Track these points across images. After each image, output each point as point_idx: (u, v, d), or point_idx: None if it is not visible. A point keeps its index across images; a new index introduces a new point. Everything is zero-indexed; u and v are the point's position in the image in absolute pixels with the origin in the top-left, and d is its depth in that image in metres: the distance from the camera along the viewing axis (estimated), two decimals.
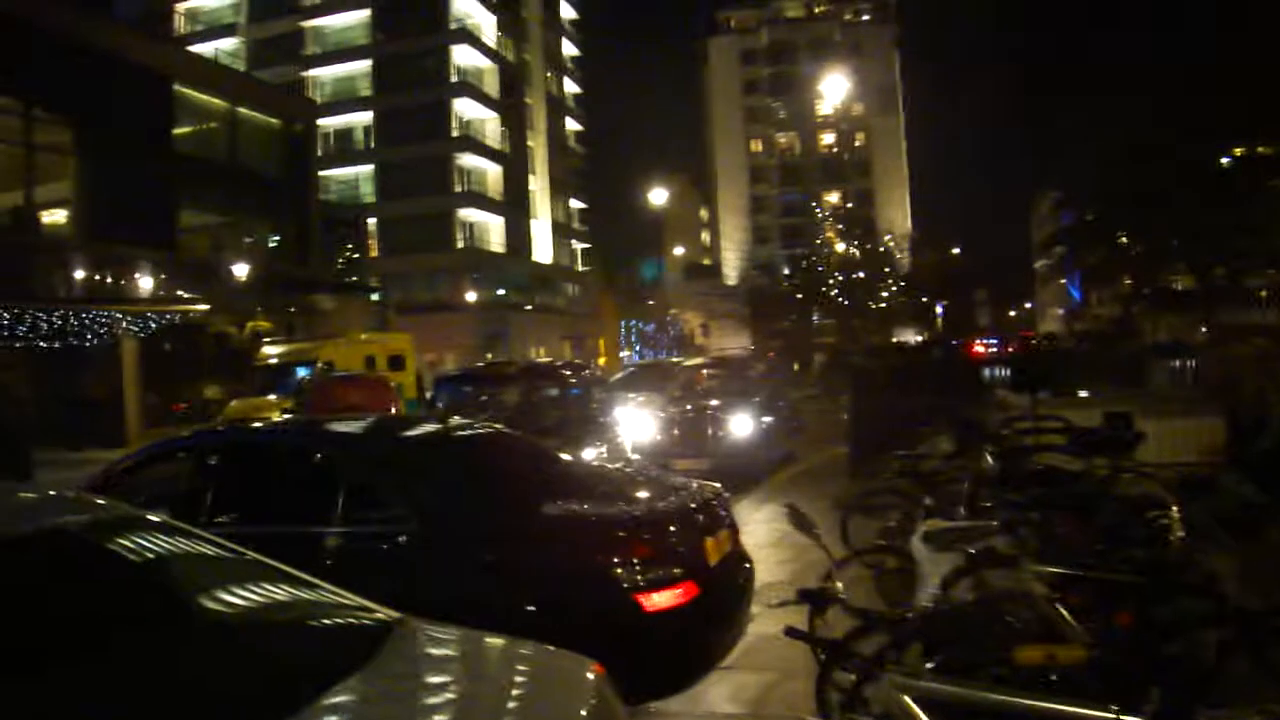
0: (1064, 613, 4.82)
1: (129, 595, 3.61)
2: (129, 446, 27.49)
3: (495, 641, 3.92)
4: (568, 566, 5.88)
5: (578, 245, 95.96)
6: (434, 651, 3.84)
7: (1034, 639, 4.22)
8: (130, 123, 33.54)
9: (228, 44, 73.96)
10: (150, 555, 3.87)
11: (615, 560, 5.77)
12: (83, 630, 3.16)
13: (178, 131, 38.14)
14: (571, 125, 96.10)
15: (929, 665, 3.97)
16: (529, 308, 77.45)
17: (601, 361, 73.87)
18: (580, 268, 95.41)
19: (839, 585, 5.21)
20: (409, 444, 7.54)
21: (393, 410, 22.00)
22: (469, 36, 75.06)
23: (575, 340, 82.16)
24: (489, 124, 77.53)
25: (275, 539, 5.80)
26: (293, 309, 42.05)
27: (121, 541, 3.84)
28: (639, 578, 5.69)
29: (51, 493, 4.39)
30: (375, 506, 6.43)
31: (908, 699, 3.72)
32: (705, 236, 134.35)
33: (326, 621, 3.86)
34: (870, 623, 4.74)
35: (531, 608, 5.65)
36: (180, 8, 79.19)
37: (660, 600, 5.66)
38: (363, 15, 75.60)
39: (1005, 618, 4.58)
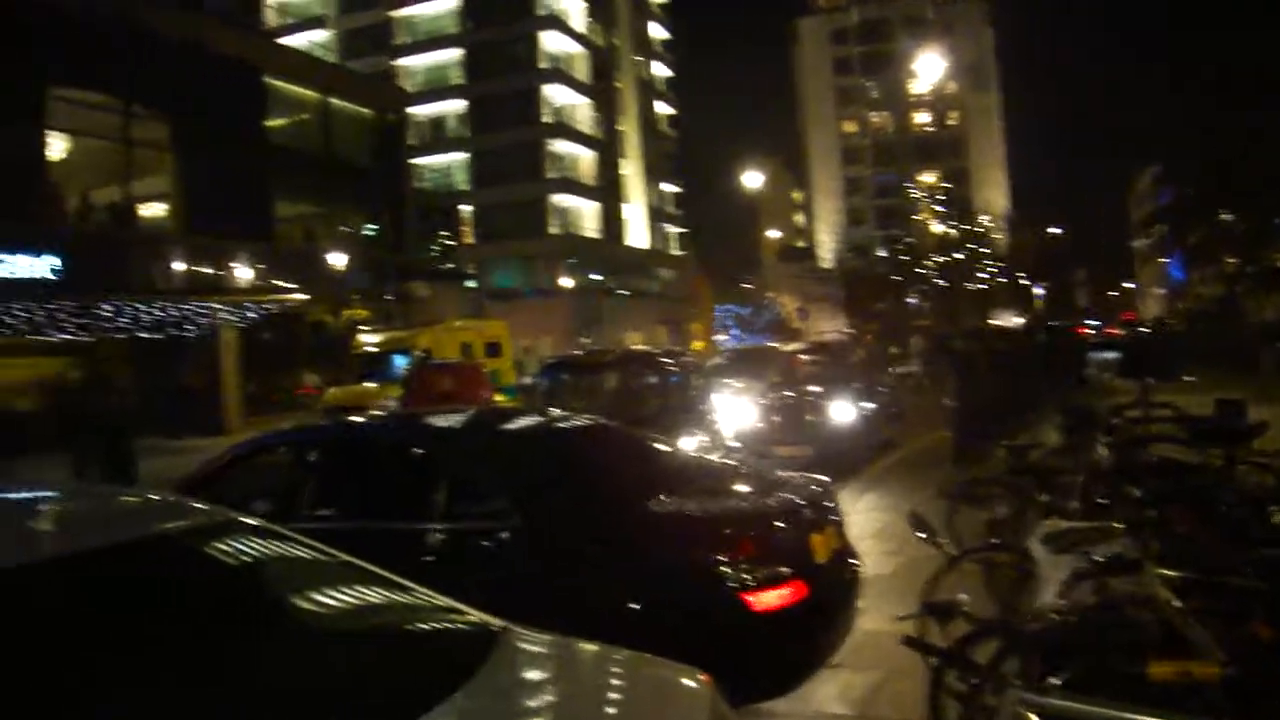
0: (1194, 623, 4.40)
1: (227, 602, 3.58)
2: (228, 435, 28.04)
3: (601, 652, 3.79)
4: (673, 564, 5.73)
5: (672, 229, 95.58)
6: (538, 664, 3.72)
7: (1162, 651, 3.84)
8: (225, 116, 33.87)
9: (319, 36, 74.87)
10: (248, 561, 3.85)
11: (722, 558, 5.59)
12: (179, 638, 3.16)
13: (272, 123, 38.49)
14: (662, 109, 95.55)
15: (1053, 680, 3.70)
16: (624, 293, 77.29)
17: (697, 346, 73.60)
18: (675, 251, 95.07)
19: (962, 596, 4.90)
20: (510, 438, 7.40)
21: (486, 397, 22.03)
22: (558, 23, 75.12)
23: (671, 325, 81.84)
24: (580, 109, 77.66)
25: (374, 535, 5.98)
26: (389, 297, 42.29)
27: (221, 547, 3.81)
28: (746, 577, 5.51)
29: (152, 497, 4.51)
30: (476, 502, 6.36)
31: (1034, 717, 3.41)
32: (800, 218, 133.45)
33: (427, 633, 3.80)
34: (987, 629, 4.54)
35: (635, 606, 5.54)
36: (271, 1, 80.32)
37: (768, 600, 5.50)
38: (452, 3, 76.17)
39: (1132, 627, 4.26)
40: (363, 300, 40.59)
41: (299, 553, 3.98)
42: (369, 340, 33.44)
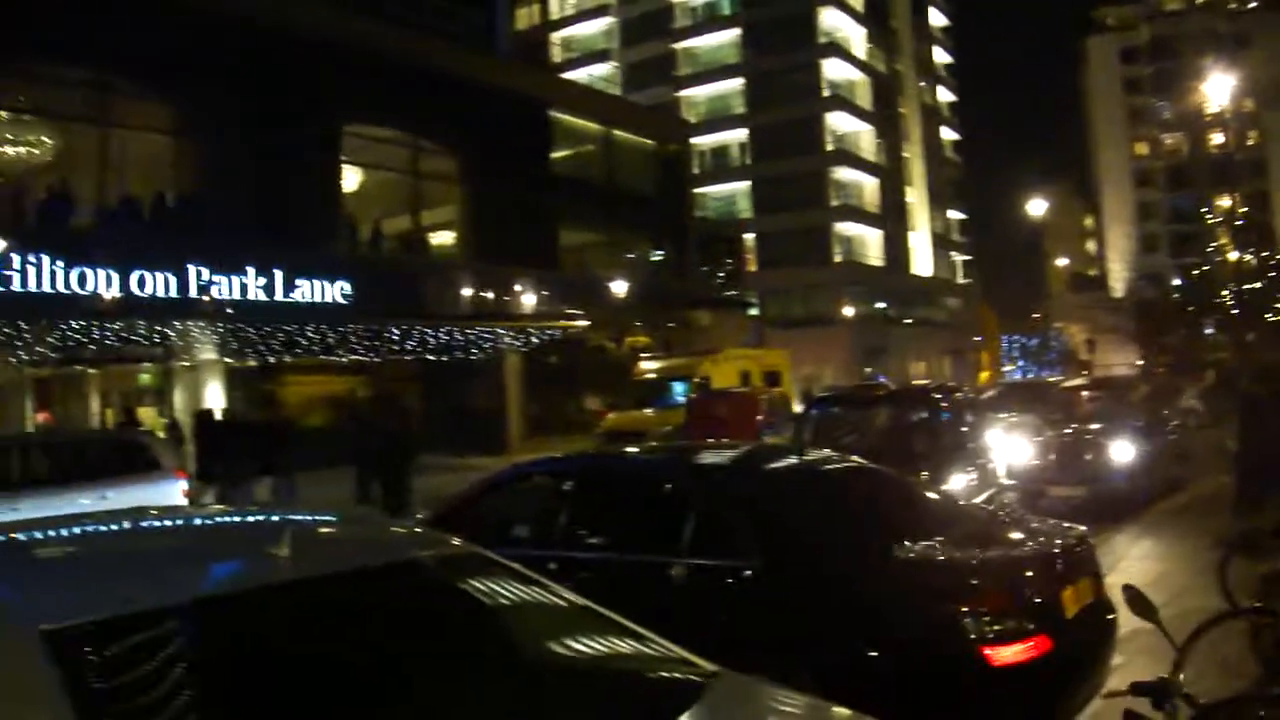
0: None
1: (456, 632, 3.80)
2: (510, 455, 28.46)
3: (810, 706, 3.74)
4: (914, 612, 5.53)
5: (957, 257, 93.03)
6: (740, 715, 3.59)
7: None
8: (510, 149, 34.67)
9: (602, 69, 76.34)
10: (474, 593, 4.01)
11: (964, 609, 5.38)
12: (404, 661, 3.40)
13: (555, 155, 39.08)
14: (947, 134, 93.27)
15: None
16: (908, 322, 75.44)
17: (983, 377, 71.28)
18: (960, 280, 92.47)
19: (1181, 677, 4.22)
20: (758, 477, 7.36)
21: (763, 425, 21.64)
22: (839, 50, 74.25)
23: (956, 355, 79.51)
24: (863, 136, 76.44)
25: (618, 566, 6.41)
26: (670, 324, 42.35)
27: (458, 579, 4.05)
28: (988, 629, 5.28)
29: (412, 529, 5.21)
30: (720, 539, 6.24)
31: None
32: (1090, 245, 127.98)
33: (634, 676, 3.81)
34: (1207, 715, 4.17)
35: (873, 653, 5.42)
36: (555, 37, 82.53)
37: (1008, 654, 5.24)
38: (733, 34, 76.28)
39: None
40: (644, 328, 40.76)
41: (523, 588, 4.11)
42: (649, 367, 33.55)
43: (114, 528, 4.71)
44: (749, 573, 5.92)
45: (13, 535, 4.44)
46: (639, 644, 3.82)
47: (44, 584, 3.58)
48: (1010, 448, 16.14)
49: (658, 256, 44.98)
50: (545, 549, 6.65)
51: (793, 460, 7.95)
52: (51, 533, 4.75)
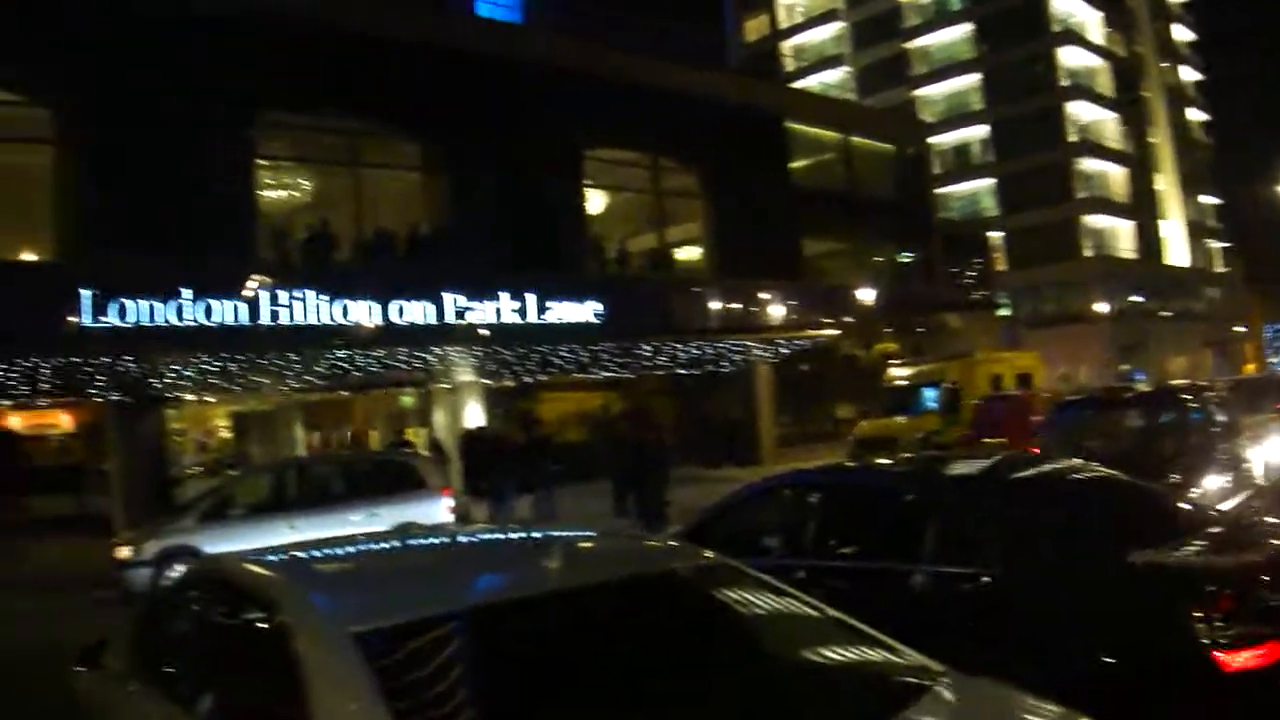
0: None
1: (706, 637, 4.13)
2: (763, 466, 28.30)
3: (1032, 707, 3.79)
4: (1148, 617, 5.55)
5: (1214, 244, 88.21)
6: (963, 713, 3.77)
7: None
8: (749, 162, 34.34)
9: (835, 75, 75.56)
10: (730, 602, 4.35)
11: (1198, 614, 5.28)
12: (665, 667, 3.74)
13: (794, 165, 38.57)
14: (1195, 115, 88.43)
15: None
16: (1166, 315, 71.65)
17: (1248, 369, 67.32)
18: (1219, 268, 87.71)
19: None
20: (999, 488, 7.40)
21: (1034, 422, 21.07)
22: (1075, 37, 71.42)
23: (1217, 347, 75.23)
24: (1106, 125, 73.33)
25: (862, 574, 6.68)
26: (919, 329, 41.46)
27: (709, 588, 4.42)
28: (1221, 634, 5.18)
29: (668, 542, 5.92)
30: (961, 548, 6.39)
31: None
32: None
33: (860, 673, 4.04)
34: None
35: (1109, 659, 5.42)
36: (786, 46, 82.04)
37: (1242, 660, 5.15)
38: (965, 29, 74.30)
39: None
40: (893, 334, 39.98)
41: (767, 595, 4.42)
42: (898, 374, 32.92)
43: (403, 544, 5.25)
44: (987, 580, 6.04)
45: (321, 551, 5.36)
46: (872, 646, 4.05)
47: (352, 593, 4.24)
48: (1272, 448, 15.19)
49: (904, 261, 44.04)
50: (793, 559, 7.02)
51: (1033, 470, 7.94)
52: (352, 549, 5.59)
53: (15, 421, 25.34)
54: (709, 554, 4.69)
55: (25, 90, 23.69)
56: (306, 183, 28.43)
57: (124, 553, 16.67)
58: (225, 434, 30.55)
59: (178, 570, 15.24)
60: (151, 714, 4.60)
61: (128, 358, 21.51)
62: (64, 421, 27.51)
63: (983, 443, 21.75)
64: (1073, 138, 70.31)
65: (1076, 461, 8.63)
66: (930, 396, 30.18)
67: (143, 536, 17.12)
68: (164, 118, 23.10)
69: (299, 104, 26.11)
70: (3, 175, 24.92)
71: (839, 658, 4.07)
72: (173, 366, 22.69)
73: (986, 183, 73.15)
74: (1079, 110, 71.24)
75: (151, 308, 21.85)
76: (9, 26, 21.81)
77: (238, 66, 24.33)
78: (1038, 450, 17.15)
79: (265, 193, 27.10)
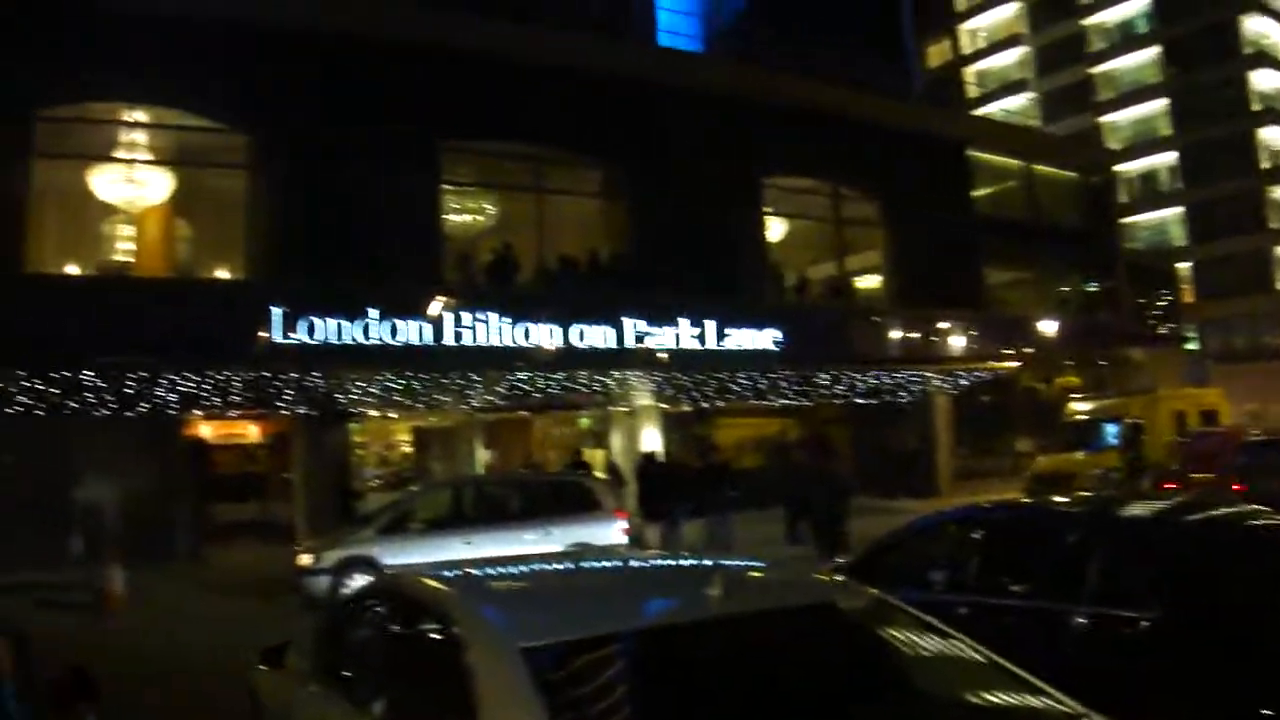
0: None
1: (858, 671, 4.30)
2: (940, 498, 27.96)
3: None
4: None
5: None
6: None
7: None
8: (930, 190, 33.93)
9: (1018, 101, 73.99)
10: (884, 638, 4.46)
11: None
12: (816, 697, 3.89)
13: (975, 194, 37.90)
14: None
15: None
16: None
17: None
18: None
19: None
20: (1163, 531, 7.39)
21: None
22: (1268, 59, 67.98)
23: None
24: None
25: (1024, 612, 6.73)
26: (1102, 363, 40.34)
27: (865, 623, 4.53)
28: None
29: (829, 575, 6.07)
30: (1121, 589, 6.40)
31: None
32: None
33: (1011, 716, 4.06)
34: None
35: (1267, 712, 5.30)
36: (969, 71, 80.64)
37: None
38: (1152, 53, 71.49)
39: None
40: (1075, 366, 38.96)
41: (922, 633, 4.49)
42: (1080, 408, 32.13)
43: (574, 565, 5.63)
44: (1147, 624, 6.02)
45: (495, 569, 5.64)
46: (1025, 690, 4.04)
47: (522, 609, 4.48)
48: None
49: (1087, 292, 42.90)
50: (956, 594, 7.16)
51: (1200, 514, 7.92)
52: (524, 568, 5.92)
53: (205, 431, 26.30)
54: (870, 590, 4.84)
55: (223, 118, 24.89)
56: (490, 207, 29.01)
57: (305, 560, 17.28)
58: (406, 448, 31.28)
59: (357, 579, 15.75)
60: (330, 713, 4.99)
61: (315, 373, 22.37)
62: (251, 432, 28.45)
63: (1191, 478, 21.01)
64: (1266, 164, 67.14)
65: (1258, 507, 8.36)
66: (1111, 432, 29.40)
67: (324, 545, 17.71)
68: (353, 143, 24.00)
69: (484, 130, 26.93)
70: (202, 198, 26.22)
71: (989, 700, 4.13)
72: (358, 383, 23.42)
73: (1175, 211, 70.19)
74: (1272, 136, 68.15)
75: (339, 326, 22.69)
76: (206, 58, 22.96)
77: (424, 94, 25.36)
78: (1243, 488, 16.67)
79: (450, 216, 27.80)
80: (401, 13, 26.81)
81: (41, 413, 20.57)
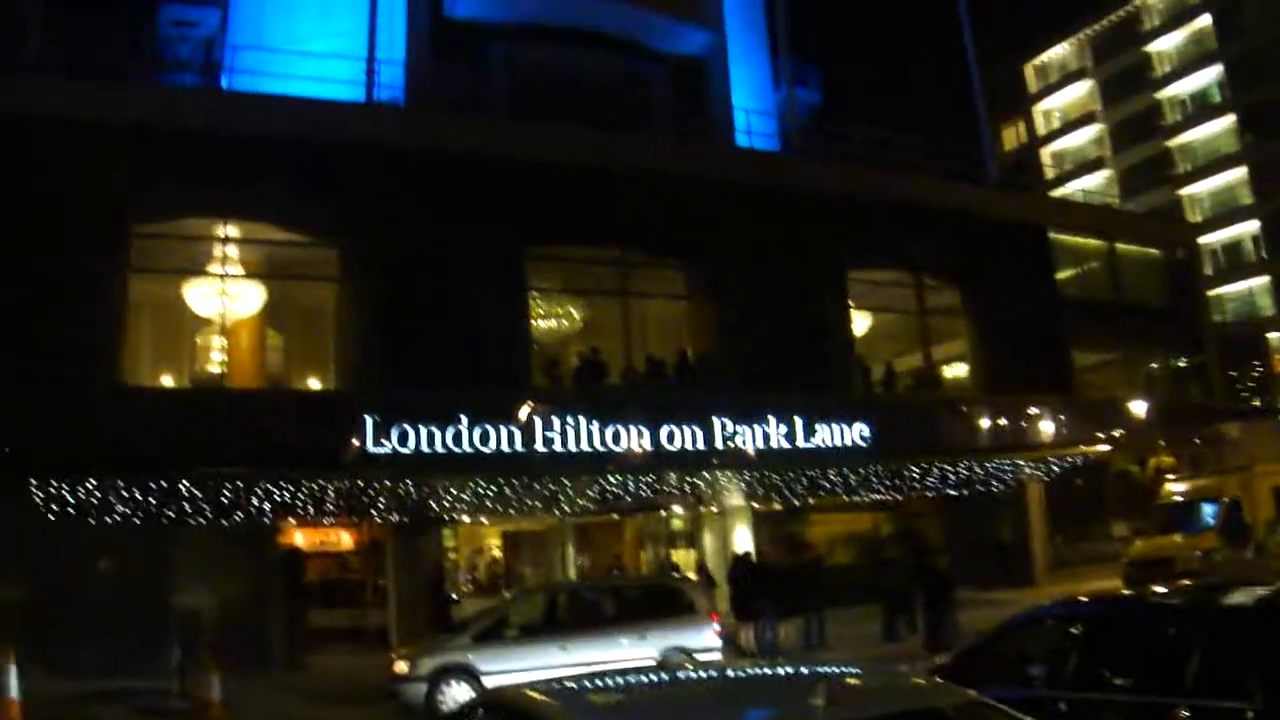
0: None
1: None
2: (1036, 588, 27.56)
3: None
4: None
5: None
6: None
7: None
8: (1013, 275, 33.72)
9: (1096, 179, 73.59)
10: None
11: None
12: None
13: (1058, 276, 37.53)
14: None
15: None
16: None
17: None
18: None
19: None
20: (1260, 618, 7.22)
21: None
22: None
23: None
24: None
25: (1124, 707, 6.67)
26: (1196, 441, 39.52)
27: None
28: None
29: (928, 678, 5.94)
30: (1223, 680, 6.29)
31: None
32: None
33: None
34: None
35: None
36: (1045, 152, 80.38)
37: None
38: (1227, 122, 70.93)
39: None
40: (1168, 446, 38.21)
41: None
42: (1175, 489, 31.40)
43: (674, 677, 5.88)
44: (1251, 714, 5.92)
45: (596, 683, 5.77)
46: None
47: None
48: None
49: (1177, 368, 42.21)
50: (1056, 689, 7.16)
51: None
52: (622, 680, 5.90)
53: (300, 538, 26.61)
54: (968, 692, 4.87)
55: (312, 232, 25.61)
56: (577, 311, 29.36)
57: (401, 667, 17.33)
58: (496, 552, 31.39)
59: (453, 687, 15.89)
60: None
61: (408, 480, 22.73)
62: (345, 539, 28.71)
63: None
64: None
65: None
66: (1209, 513, 28.49)
67: (419, 652, 17.74)
68: (440, 253, 24.63)
69: (568, 236, 27.38)
70: (294, 309, 26.88)
71: None
72: (450, 489, 23.66)
73: (1261, 281, 69.09)
74: None
75: (431, 433, 22.96)
76: (295, 173, 23.78)
77: (508, 203, 25.82)
78: None
79: (538, 322, 28.17)
80: (485, 126, 27.46)
81: (139, 521, 20.93)
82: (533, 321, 27.75)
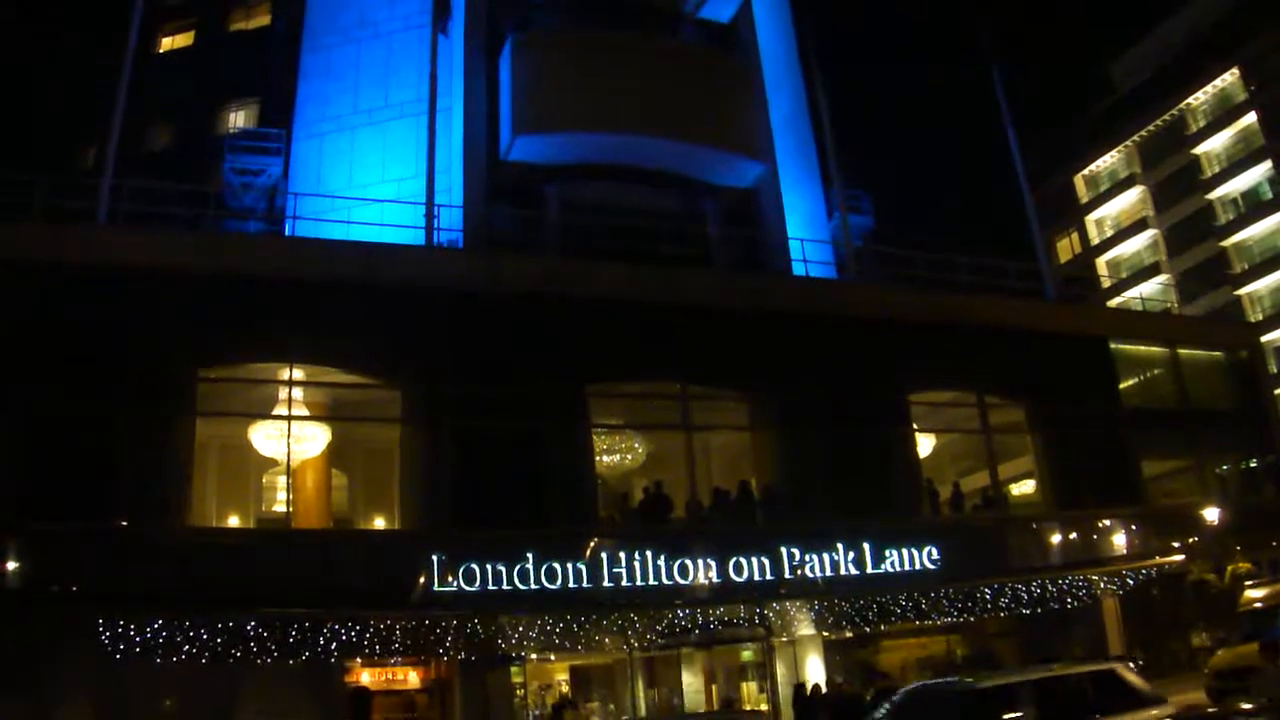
0: None
1: None
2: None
3: None
4: None
5: None
6: None
7: None
8: (1076, 389, 33.15)
9: (1153, 285, 72.72)
10: None
11: None
12: None
13: (1122, 385, 36.87)
14: None
15: None
16: None
17: None
18: None
19: None
20: None
21: None
22: None
23: None
24: None
25: None
26: (1275, 543, 38.19)
27: None
28: None
29: None
30: None
31: None
32: None
33: None
34: None
35: None
36: (1100, 262, 79.63)
37: None
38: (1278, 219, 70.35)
39: None
40: (1245, 552, 36.91)
41: None
42: (1254, 595, 30.19)
43: None
44: None
45: None
46: None
47: None
48: None
49: (1249, 470, 40.98)
50: None
51: None
52: None
53: (366, 677, 26.21)
54: None
55: (375, 374, 25.61)
56: (640, 445, 29.06)
57: None
58: (564, 688, 30.76)
59: None
60: None
61: (475, 619, 22.37)
62: (412, 678, 28.25)
63: None
64: None
65: None
66: None
67: None
68: (502, 393, 24.68)
69: (628, 373, 27.32)
70: (358, 449, 26.84)
71: None
72: (518, 627, 23.18)
73: None
74: None
75: (497, 571, 22.70)
76: (357, 317, 24.33)
77: (569, 341, 25.91)
78: None
79: (601, 457, 27.84)
80: (541, 263, 27.57)
81: (205, 661, 20.75)
82: (596, 456, 27.46)
